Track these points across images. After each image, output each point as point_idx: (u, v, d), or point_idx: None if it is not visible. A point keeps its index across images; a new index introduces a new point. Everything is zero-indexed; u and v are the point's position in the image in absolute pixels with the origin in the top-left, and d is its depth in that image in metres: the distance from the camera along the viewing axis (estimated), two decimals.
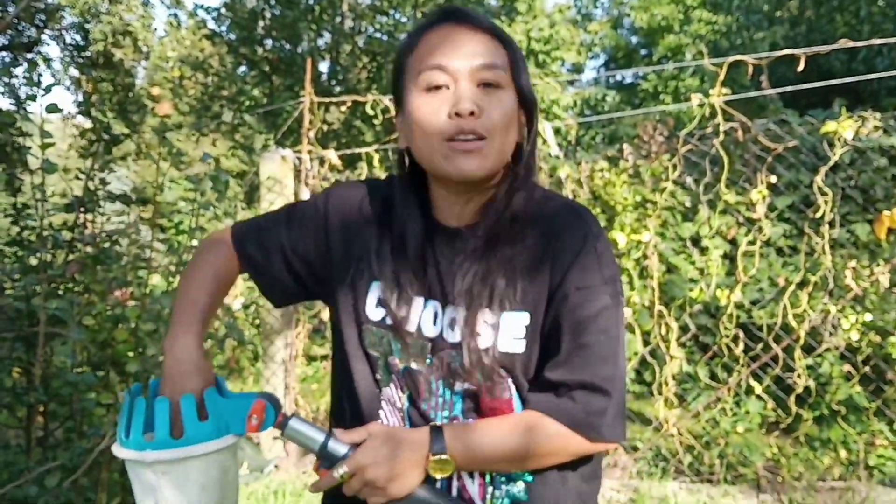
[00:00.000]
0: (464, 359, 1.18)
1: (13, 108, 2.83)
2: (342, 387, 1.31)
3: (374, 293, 1.26)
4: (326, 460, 1.15)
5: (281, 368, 4.79)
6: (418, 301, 1.23)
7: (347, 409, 1.30)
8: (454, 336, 1.21)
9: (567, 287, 1.17)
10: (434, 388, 1.22)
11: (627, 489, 4.04)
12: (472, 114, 1.13)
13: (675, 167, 4.24)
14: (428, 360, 1.22)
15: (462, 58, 1.15)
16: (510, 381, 1.20)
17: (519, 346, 1.18)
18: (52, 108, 2.50)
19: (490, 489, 1.21)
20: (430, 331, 1.23)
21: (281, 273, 1.34)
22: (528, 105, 1.21)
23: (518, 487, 1.21)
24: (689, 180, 5.21)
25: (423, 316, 1.23)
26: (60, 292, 2.79)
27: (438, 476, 1.14)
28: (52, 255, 2.87)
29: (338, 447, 1.15)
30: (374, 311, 1.26)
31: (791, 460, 4.12)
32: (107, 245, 2.96)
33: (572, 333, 1.16)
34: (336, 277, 1.30)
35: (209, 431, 1.11)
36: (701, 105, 4.02)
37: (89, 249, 2.95)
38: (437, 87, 1.15)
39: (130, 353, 2.82)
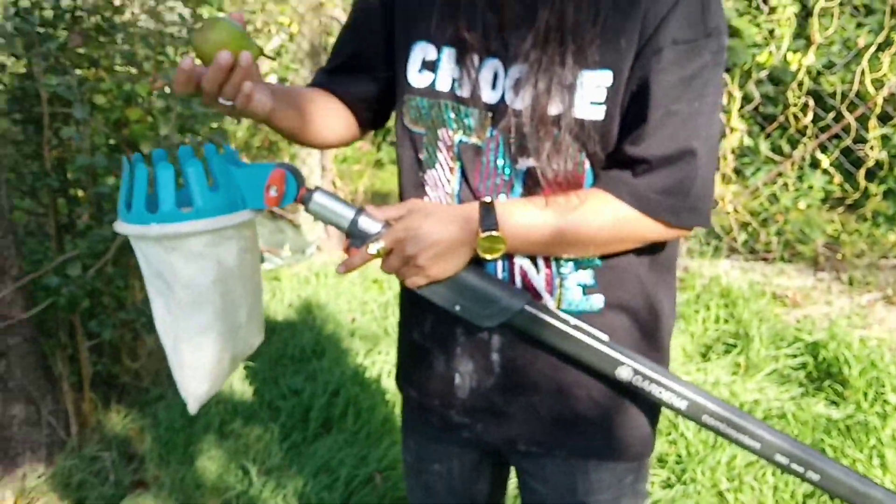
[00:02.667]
0: (529, 128, 0.99)
1: None
2: (398, 173, 1.17)
3: (416, 54, 1.07)
4: (358, 238, 1.01)
5: (316, 151, 4.59)
6: (473, 58, 1.03)
7: (400, 195, 1.16)
8: (519, 101, 1.00)
9: (661, 40, 0.95)
10: (493, 165, 1.04)
11: (676, 268, 3.91)
12: None
13: None
14: (488, 132, 1.03)
15: None
16: (584, 156, 1.00)
17: (598, 113, 0.98)
18: None
19: (557, 280, 1.05)
20: (490, 96, 1.03)
21: (365, 87, 1.19)
22: None
23: (587, 275, 1.06)
24: None
25: (480, 77, 1.03)
26: (67, 69, 2.56)
27: (489, 257, 0.99)
28: (53, 28, 2.61)
29: (370, 224, 1.01)
30: (417, 77, 1.07)
31: (853, 237, 3.91)
32: (109, 14, 2.67)
33: (662, 98, 0.96)
34: (393, 48, 1.13)
35: (221, 204, 0.98)
36: None
37: (93, 20, 2.68)
38: None
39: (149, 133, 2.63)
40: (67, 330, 2.55)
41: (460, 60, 1.03)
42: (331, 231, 4.72)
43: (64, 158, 2.62)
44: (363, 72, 1.17)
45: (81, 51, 2.66)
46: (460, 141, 1.05)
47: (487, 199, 1.01)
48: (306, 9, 4.32)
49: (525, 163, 1.02)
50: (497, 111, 1.02)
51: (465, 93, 1.03)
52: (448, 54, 1.04)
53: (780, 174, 3.95)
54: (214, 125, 2.66)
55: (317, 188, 1.03)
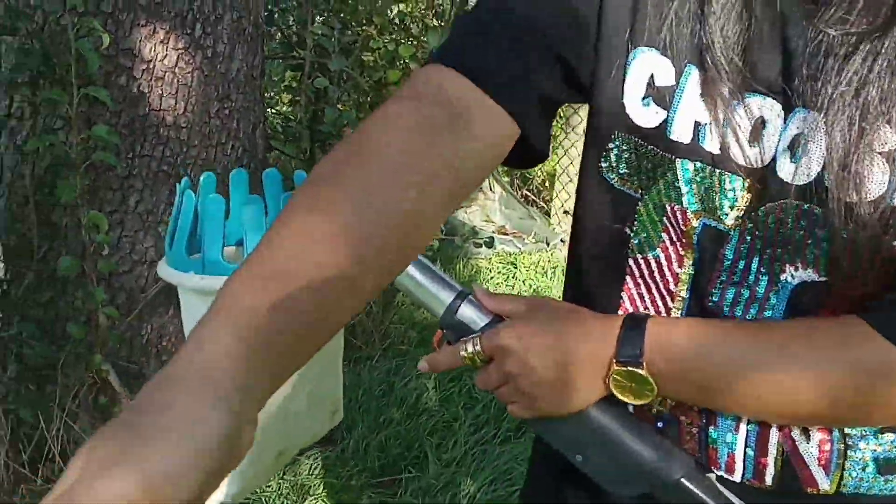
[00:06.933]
0: (833, 220, 0.61)
1: None
2: (572, 243, 0.81)
3: (638, 70, 0.66)
4: (454, 331, 0.73)
5: (581, 139, 4.42)
6: (722, 92, 0.62)
7: (572, 285, 0.81)
8: (802, 171, 0.62)
9: None
10: (739, 267, 0.66)
11: None
12: None
13: None
14: (736, 214, 0.64)
15: None
16: None
17: None
18: None
19: (839, 446, 0.66)
20: (751, 154, 0.63)
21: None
22: None
23: (887, 442, 0.67)
24: None
25: (737, 124, 0.63)
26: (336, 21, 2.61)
27: (629, 401, 0.67)
28: None
29: (474, 314, 0.73)
30: (638, 109, 0.66)
31: None
32: None
33: None
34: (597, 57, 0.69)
35: None
36: None
37: None
38: None
39: None
40: None
41: (710, 94, 0.63)
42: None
43: (318, 109, 2.69)
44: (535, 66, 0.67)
45: (360, 7, 2.71)
46: (703, 224, 0.67)
47: (639, 314, 0.69)
48: None
49: (798, 274, 0.64)
50: (758, 181, 0.63)
51: (711, 146, 0.64)
52: (694, 79, 0.64)
53: None
54: None
55: None
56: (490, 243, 2.86)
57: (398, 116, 0.61)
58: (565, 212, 4.54)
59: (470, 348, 0.70)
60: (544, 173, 4.98)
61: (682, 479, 0.67)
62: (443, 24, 2.46)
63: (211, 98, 2.25)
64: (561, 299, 0.79)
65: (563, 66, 0.67)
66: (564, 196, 4.52)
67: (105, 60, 1.98)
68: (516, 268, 4.06)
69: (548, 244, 4.47)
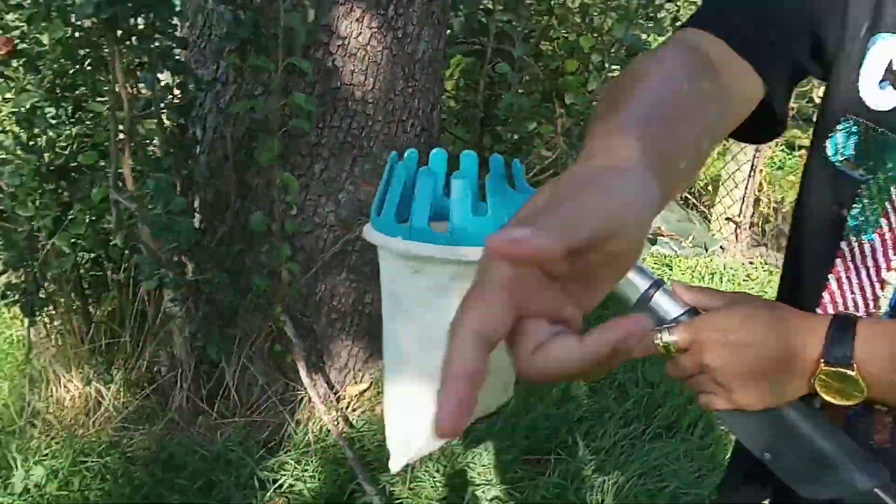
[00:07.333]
0: None
1: None
2: (792, 226, 0.81)
3: (878, 55, 0.67)
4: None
5: (751, 146, 4.26)
6: None
7: (786, 266, 0.82)
8: None
9: None
10: None
11: None
12: None
13: None
14: None
15: None
16: None
17: None
18: None
19: None
20: None
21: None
22: None
23: None
24: None
25: None
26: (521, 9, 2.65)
27: (832, 401, 0.66)
28: None
29: (668, 304, 0.72)
30: (875, 92, 0.68)
31: None
32: None
33: None
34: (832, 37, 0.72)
35: (483, 230, 0.78)
36: None
37: None
38: None
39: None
40: None
41: None
42: (741, 234, 4.38)
43: (498, 95, 2.75)
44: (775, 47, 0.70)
45: None
46: None
47: (849, 314, 0.69)
48: None
49: None
50: None
51: None
52: None
53: None
54: None
55: None
56: (653, 241, 2.83)
57: (666, 58, 0.65)
58: (727, 219, 4.40)
59: (666, 337, 0.70)
60: (707, 178, 4.84)
61: (878, 490, 0.66)
62: (620, 16, 2.45)
63: (397, 77, 2.35)
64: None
65: (814, 39, 0.69)
66: (728, 202, 4.38)
67: (305, 34, 2.11)
68: (671, 270, 3.98)
69: (706, 249, 4.36)
